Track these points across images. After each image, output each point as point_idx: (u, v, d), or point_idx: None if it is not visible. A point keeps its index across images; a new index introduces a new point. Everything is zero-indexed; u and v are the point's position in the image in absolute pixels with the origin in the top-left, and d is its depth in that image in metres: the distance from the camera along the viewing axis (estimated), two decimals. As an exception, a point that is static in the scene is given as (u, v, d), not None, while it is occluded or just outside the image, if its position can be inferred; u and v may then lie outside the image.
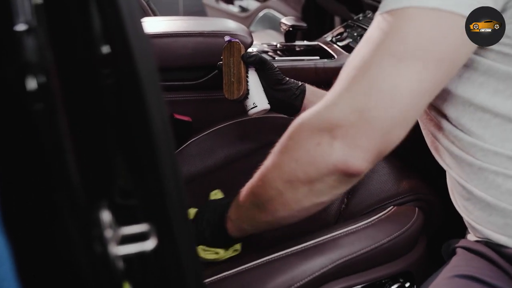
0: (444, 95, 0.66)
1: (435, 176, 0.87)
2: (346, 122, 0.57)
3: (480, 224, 0.70)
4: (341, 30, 1.43)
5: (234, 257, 0.77)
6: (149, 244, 0.39)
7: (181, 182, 0.43)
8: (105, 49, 0.37)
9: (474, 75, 0.63)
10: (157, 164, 0.41)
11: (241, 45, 0.92)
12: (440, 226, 0.92)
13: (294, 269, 0.71)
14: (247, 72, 0.92)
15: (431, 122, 0.73)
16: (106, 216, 0.38)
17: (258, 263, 0.72)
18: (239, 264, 0.73)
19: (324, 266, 0.72)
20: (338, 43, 1.37)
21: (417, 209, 0.84)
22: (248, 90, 0.91)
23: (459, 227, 0.83)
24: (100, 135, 0.39)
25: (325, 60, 1.29)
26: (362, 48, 0.59)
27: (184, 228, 0.43)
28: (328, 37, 1.45)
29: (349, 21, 1.44)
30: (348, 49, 1.33)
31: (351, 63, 0.59)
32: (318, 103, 0.63)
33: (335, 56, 1.30)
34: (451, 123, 0.68)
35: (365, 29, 1.31)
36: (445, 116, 0.68)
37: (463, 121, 0.66)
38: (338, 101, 0.58)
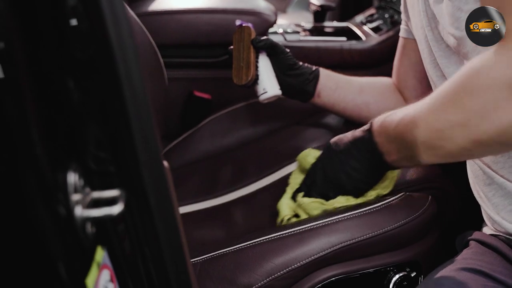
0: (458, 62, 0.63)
1: (454, 165, 0.83)
2: None
3: (498, 214, 0.66)
4: (373, 11, 1.38)
5: (232, 235, 0.76)
6: (117, 208, 0.40)
7: (157, 147, 0.43)
8: (76, 18, 0.37)
9: None
10: (131, 133, 0.41)
11: (252, 29, 0.90)
12: (456, 218, 0.88)
13: (290, 251, 0.70)
14: (257, 57, 0.89)
15: None
16: (72, 178, 0.38)
17: (254, 242, 0.71)
18: (237, 242, 0.72)
19: (322, 249, 0.70)
20: (368, 25, 1.32)
21: (430, 197, 0.80)
22: (257, 75, 0.89)
23: (475, 220, 0.79)
24: (69, 102, 0.39)
25: (353, 41, 1.25)
26: None
27: (157, 193, 0.43)
28: (359, 18, 1.40)
29: (382, 2, 1.39)
30: (378, 30, 1.28)
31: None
32: (491, 51, 0.55)
33: (364, 38, 1.26)
34: None
35: (397, 11, 1.25)
36: None
37: None
38: None
